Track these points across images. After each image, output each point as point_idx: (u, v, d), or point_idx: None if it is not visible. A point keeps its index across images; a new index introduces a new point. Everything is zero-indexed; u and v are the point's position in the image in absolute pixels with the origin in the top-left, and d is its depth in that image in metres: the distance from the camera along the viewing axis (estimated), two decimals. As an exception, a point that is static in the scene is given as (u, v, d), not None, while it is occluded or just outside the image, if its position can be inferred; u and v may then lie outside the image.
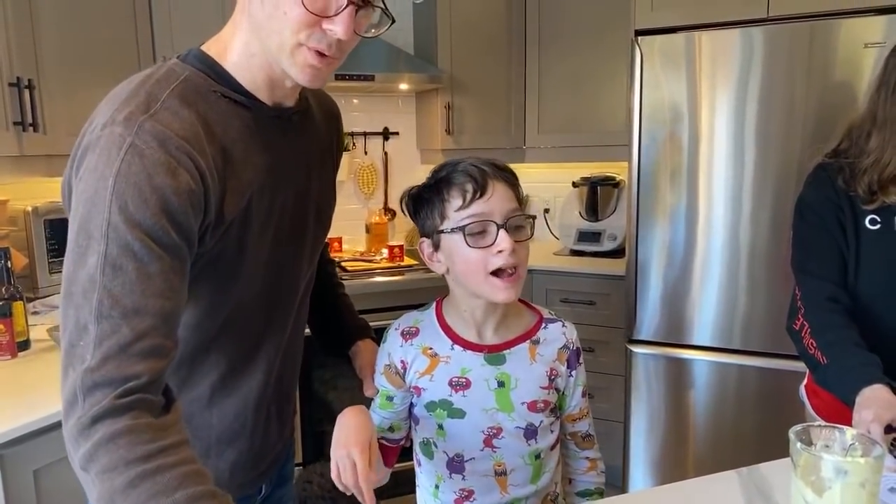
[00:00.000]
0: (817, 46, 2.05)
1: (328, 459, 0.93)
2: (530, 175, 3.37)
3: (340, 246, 3.04)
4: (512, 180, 1.03)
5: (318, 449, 2.51)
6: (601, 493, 1.20)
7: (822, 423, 0.80)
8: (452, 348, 1.07)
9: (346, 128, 2.98)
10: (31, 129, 1.83)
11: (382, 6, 0.82)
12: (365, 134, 3.09)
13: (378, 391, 1.13)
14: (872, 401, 1.08)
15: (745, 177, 2.19)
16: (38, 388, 1.46)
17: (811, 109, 2.07)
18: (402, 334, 1.11)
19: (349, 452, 0.90)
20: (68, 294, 0.71)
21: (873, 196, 1.33)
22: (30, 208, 2.17)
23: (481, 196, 0.98)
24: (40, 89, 1.91)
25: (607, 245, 2.89)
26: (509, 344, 1.08)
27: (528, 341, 1.09)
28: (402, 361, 1.09)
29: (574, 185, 3.04)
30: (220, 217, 0.82)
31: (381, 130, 3.14)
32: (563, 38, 2.91)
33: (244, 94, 0.86)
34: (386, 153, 3.16)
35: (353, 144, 3.06)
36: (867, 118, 1.39)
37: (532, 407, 1.07)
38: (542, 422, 1.09)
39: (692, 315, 2.33)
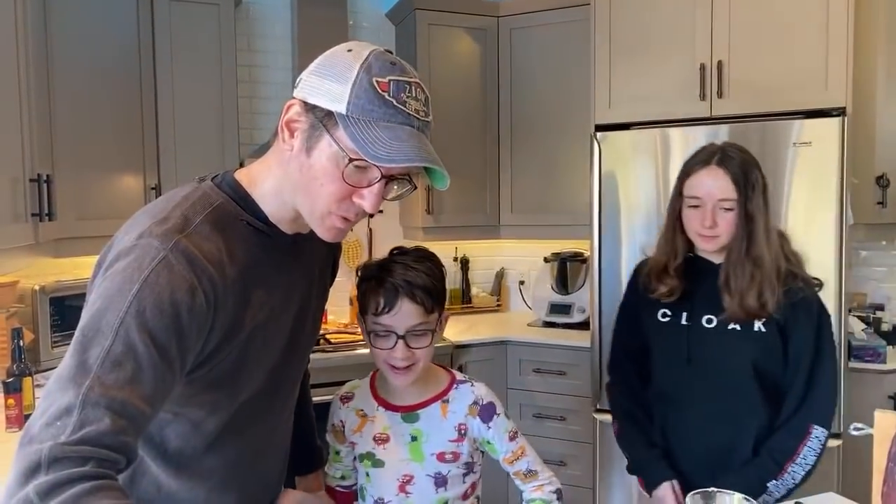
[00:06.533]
0: (756, 144, 2.29)
1: None
2: (506, 250, 3.59)
3: (325, 318, 3.20)
4: (420, 298, 1.18)
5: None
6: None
7: (715, 489, 0.96)
8: (377, 409, 1.28)
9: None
10: (46, 218, 2.02)
11: (408, 178, 0.91)
12: (351, 212, 3.31)
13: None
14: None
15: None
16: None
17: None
18: (341, 399, 1.33)
19: None
20: (59, 377, 0.76)
21: (653, 288, 1.55)
22: (37, 287, 2.34)
23: (388, 312, 1.18)
24: (55, 181, 2.11)
25: (577, 317, 3.08)
26: (424, 404, 1.27)
27: (440, 401, 1.28)
28: (340, 421, 1.32)
29: (545, 260, 3.25)
30: (231, 332, 0.90)
31: (366, 209, 3.36)
32: (532, 127, 3.18)
33: (266, 224, 0.96)
34: (371, 230, 3.38)
35: (340, 222, 3.28)
36: None
37: (440, 458, 1.26)
38: (450, 471, 1.26)
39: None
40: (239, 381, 0.97)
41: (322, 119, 0.86)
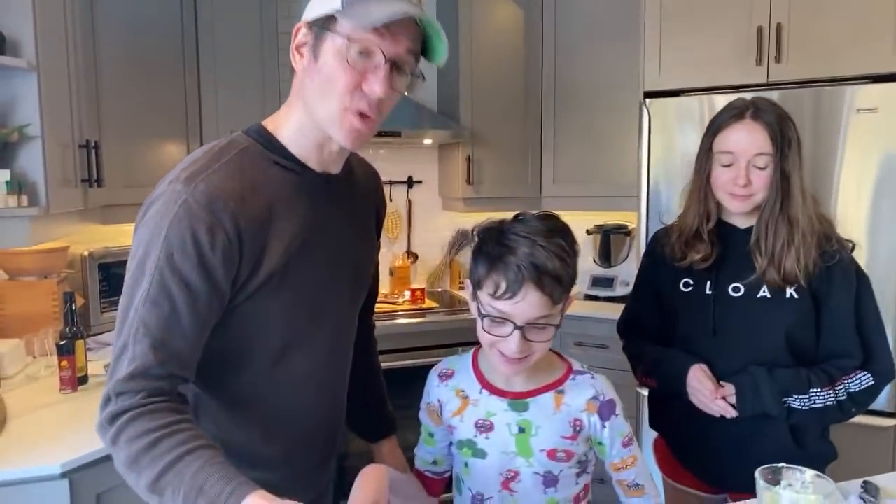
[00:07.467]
0: (810, 110, 2.20)
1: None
2: (547, 221, 3.52)
3: (365, 288, 3.20)
4: (549, 287, 1.01)
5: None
6: None
7: (785, 465, 0.92)
8: (481, 392, 1.15)
9: (374, 178, 3.20)
10: (95, 184, 2.04)
11: (412, 69, 0.96)
12: (391, 182, 3.28)
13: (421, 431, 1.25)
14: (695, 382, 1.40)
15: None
16: (97, 420, 1.63)
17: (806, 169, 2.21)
18: (440, 376, 1.21)
19: None
20: (119, 318, 0.89)
21: (683, 255, 1.46)
22: (86, 253, 2.38)
23: (509, 298, 1.01)
24: (103, 148, 2.13)
25: (620, 291, 3.02)
26: (533, 392, 1.13)
27: (554, 391, 1.13)
28: (438, 401, 1.19)
29: (588, 232, 3.19)
30: (261, 262, 0.94)
31: (405, 179, 3.33)
32: (576, 96, 3.10)
33: (294, 162, 1.00)
34: (410, 200, 3.35)
35: (379, 192, 3.26)
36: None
37: (551, 455, 1.11)
38: (562, 471, 1.12)
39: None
40: (279, 315, 1.00)
41: (323, 24, 0.92)
